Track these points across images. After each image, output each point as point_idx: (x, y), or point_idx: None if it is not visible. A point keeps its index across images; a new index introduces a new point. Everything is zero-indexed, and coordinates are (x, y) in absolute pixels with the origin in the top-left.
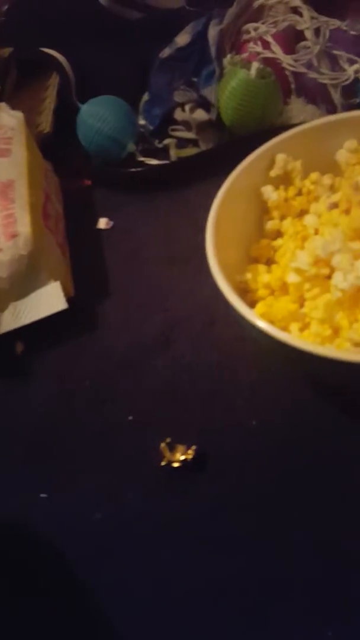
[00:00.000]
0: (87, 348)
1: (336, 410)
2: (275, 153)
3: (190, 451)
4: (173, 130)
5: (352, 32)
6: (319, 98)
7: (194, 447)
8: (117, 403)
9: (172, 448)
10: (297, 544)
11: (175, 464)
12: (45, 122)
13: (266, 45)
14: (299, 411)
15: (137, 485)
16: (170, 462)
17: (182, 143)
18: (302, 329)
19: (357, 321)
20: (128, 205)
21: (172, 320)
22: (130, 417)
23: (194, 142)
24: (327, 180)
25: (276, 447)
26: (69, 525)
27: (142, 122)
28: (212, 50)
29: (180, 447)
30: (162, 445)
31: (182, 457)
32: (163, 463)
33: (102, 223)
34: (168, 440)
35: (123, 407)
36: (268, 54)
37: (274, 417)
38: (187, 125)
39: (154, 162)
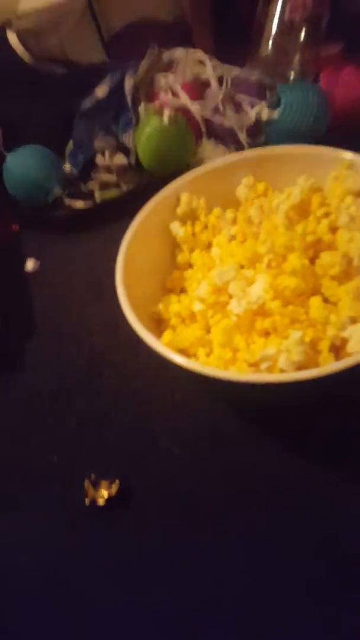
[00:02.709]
0: (13, 387)
1: (255, 430)
2: (180, 192)
3: (114, 485)
4: (96, 174)
5: (252, 78)
6: (228, 139)
7: (117, 482)
8: (41, 443)
9: (96, 484)
10: (226, 569)
11: (100, 500)
12: None
13: (176, 93)
14: (218, 434)
15: (63, 526)
16: (94, 500)
17: (105, 186)
18: (208, 354)
19: (252, 343)
20: (55, 246)
21: (98, 355)
22: (55, 457)
23: (116, 185)
24: (228, 214)
25: (199, 473)
26: None
27: (67, 167)
28: (128, 99)
29: (104, 483)
30: (86, 482)
31: (106, 493)
32: (87, 501)
33: (30, 264)
34: (92, 477)
35: (48, 446)
36: (178, 103)
37: (196, 443)
38: (109, 169)
39: (79, 204)
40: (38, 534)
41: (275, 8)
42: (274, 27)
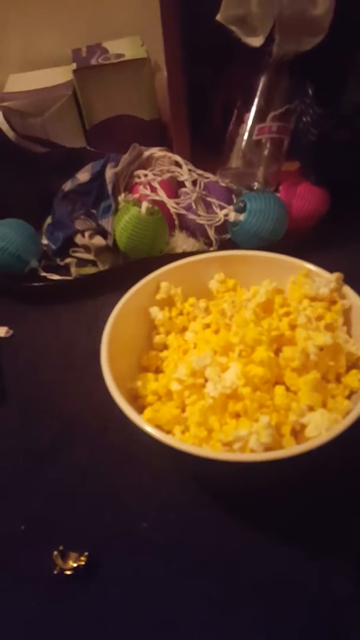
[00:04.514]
0: None
1: (223, 508)
2: (160, 281)
3: (82, 558)
4: (74, 251)
5: (222, 184)
6: (198, 233)
7: (86, 554)
8: (10, 512)
9: (64, 556)
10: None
11: (68, 572)
12: None
13: (154, 189)
14: (187, 509)
15: (30, 595)
16: (62, 571)
17: (81, 263)
18: (183, 431)
19: (226, 424)
20: (29, 315)
21: (67, 425)
22: (23, 527)
23: (92, 263)
24: (202, 303)
25: (166, 547)
26: None
27: (45, 242)
28: (109, 187)
29: (73, 555)
30: (55, 553)
31: (74, 565)
32: (55, 572)
33: (2, 331)
34: (60, 547)
35: (16, 515)
36: (155, 197)
37: (164, 518)
38: (86, 248)
39: (55, 277)
40: (2, 603)
41: (245, 129)
42: (244, 143)
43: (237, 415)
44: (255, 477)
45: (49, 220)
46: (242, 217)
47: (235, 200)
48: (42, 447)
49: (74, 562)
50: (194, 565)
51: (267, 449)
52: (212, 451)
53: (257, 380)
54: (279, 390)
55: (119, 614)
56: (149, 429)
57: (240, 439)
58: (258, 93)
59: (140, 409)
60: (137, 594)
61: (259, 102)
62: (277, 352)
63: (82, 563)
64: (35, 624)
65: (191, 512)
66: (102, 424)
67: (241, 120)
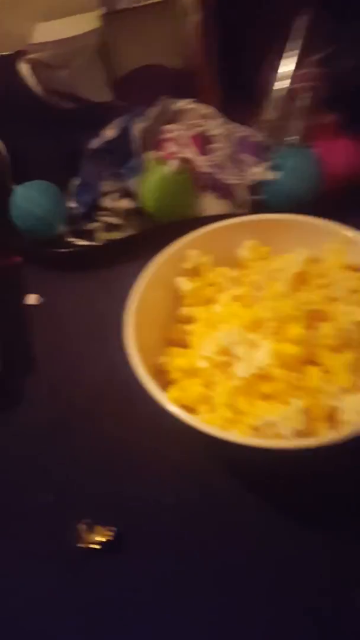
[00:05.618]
0: (10, 424)
1: (249, 485)
2: (188, 249)
3: (108, 532)
4: (100, 215)
5: (256, 139)
6: (228, 194)
7: (112, 529)
8: (37, 482)
9: (91, 529)
10: (216, 620)
11: (94, 546)
12: None
13: (183, 145)
14: (213, 487)
15: (55, 568)
16: (88, 544)
17: (108, 227)
18: (209, 411)
19: (254, 406)
20: (56, 282)
21: (93, 396)
22: (51, 496)
23: (119, 227)
24: (232, 273)
25: (192, 523)
26: None
27: (72, 205)
28: (136, 145)
29: (99, 528)
30: (81, 526)
31: (101, 539)
32: (82, 545)
33: (32, 299)
34: (87, 521)
35: (43, 486)
36: (184, 154)
37: (190, 494)
38: (113, 211)
39: (82, 242)
40: (28, 574)
41: (280, 75)
42: (278, 92)
43: (267, 397)
44: (286, 464)
45: (76, 181)
46: (276, 175)
47: (268, 157)
48: (69, 417)
49: (100, 536)
50: (220, 543)
51: (299, 435)
52: (239, 436)
53: (290, 359)
54: (313, 370)
55: (143, 588)
56: (174, 409)
57: (270, 424)
58: (296, 35)
59: (164, 385)
60: (161, 569)
61: (296, 45)
62: (311, 328)
63: (108, 538)
64: (58, 596)
65: (218, 491)
66: (129, 396)
67: (277, 67)
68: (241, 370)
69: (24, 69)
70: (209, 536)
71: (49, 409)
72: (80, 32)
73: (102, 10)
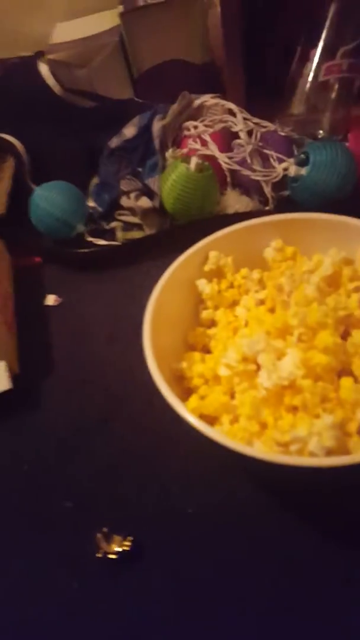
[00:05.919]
0: (27, 428)
1: (268, 495)
2: (209, 250)
3: (126, 542)
4: (120, 214)
5: (281, 134)
6: (252, 190)
7: (130, 538)
8: (55, 488)
9: (108, 538)
10: (236, 630)
11: (112, 556)
12: (0, 205)
13: (204, 142)
14: (234, 497)
15: (73, 577)
16: (106, 554)
17: (127, 226)
18: (232, 422)
19: (281, 418)
20: (75, 282)
21: (112, 399)
22: (69, 504)
23: (138, 226)
24: (255, 275)
25: (211, 534)
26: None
27: (91, 204)
28: (156, 143)
29: (117, 538)
30: (98, 535)
31: (118, 549)
32: (99, 555)
33: (51, 300)
34: (105, 530)
35: (61, 492)
36: (205, 151)
37: (209, 504)
38: (132, 210)
39: (101, 242)
40: (46, 583)
41: (310, 68)
42: (308, 85)
43: (294, 409)
44: (314, 483)
45: (95, 180)
46: (304, 171)
47: (296, 152)
48: (86, 421)
49: (118, 545)
50: (238, 553)
51: (330, 452)
52: (264, 452)
53: (319, 370)
54: (347, 382)
55: (161, 599)
56: (194, 421)
57: (298, 440)
58: (327, 24)
59: (185, 391)
60: (179, 580)
61: (327, 35)
62: (345, 335)
63: (126, 548)
64: (76, 606)
65: (240, 501)
66: (148, 399)
67: (305, 59)
68: (266, 380)
69: (44, 69)
70: (230, 548)
71: (66, 414)
72: (100, 30)
73: (122, 8)
